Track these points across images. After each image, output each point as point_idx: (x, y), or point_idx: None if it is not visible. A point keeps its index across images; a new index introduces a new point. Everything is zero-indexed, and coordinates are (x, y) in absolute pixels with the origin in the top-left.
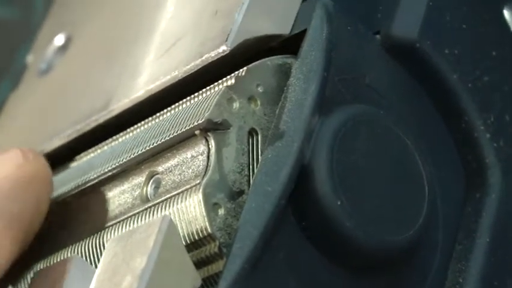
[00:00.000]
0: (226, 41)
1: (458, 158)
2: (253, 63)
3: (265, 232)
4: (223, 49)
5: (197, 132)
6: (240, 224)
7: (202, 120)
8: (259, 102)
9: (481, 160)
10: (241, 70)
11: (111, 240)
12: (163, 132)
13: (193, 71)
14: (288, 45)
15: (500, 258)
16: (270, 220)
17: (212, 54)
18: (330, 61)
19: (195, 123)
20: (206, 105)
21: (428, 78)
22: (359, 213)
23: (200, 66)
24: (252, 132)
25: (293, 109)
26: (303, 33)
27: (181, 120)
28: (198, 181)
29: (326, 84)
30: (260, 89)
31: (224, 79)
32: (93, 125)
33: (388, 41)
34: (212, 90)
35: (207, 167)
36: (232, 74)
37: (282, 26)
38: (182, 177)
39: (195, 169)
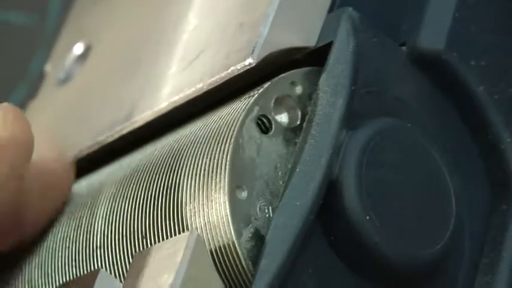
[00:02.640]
0: (252, 53)
1: (484, 170)
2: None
3: (294, 247)
4: (250, 62)
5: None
6: (268, 239)
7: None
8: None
9: (506, 172)
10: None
11: (136, 254)
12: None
13: (218, 83)
14: (313, 57)
15: None
16: (298, 235)
17: (238, 67)
18: (357, 74)
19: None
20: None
21: (454, 90)
22: (387, 228)
23: (226, 79)
24: None
25: (321, 123)
26: (329, 45)
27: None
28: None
29: (353, 97)
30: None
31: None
32: (116, 136)
33: (414, 53)
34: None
35: None
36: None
37: (307, 39)
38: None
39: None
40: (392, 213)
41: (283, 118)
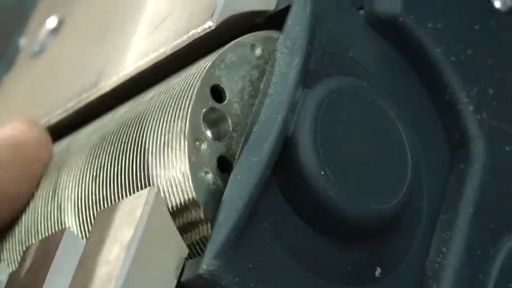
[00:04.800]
0: (211, 16)
1: (442, 129)
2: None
3: (250, 202)
4: (209, 25)
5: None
6: (225, 195)
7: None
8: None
9: (464, 132)
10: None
11: (100, 212)
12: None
13: (180, 46)
14: (272, 21)
15: (483, 228)
16: (254, 190)
17: (198, 30)
18: (313, 35)
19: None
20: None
21: (411, 52)
22: (343, 182)
23: (187, 42)
24: None
25: (277, 82)
26: (288, 8)
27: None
28: None
29: (310, 57)
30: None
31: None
32: (83, 103)
33: (372, 16)
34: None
35: None
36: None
37: (267, 2)
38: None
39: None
40: (348, 169)
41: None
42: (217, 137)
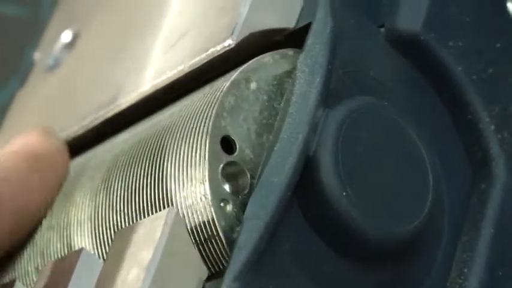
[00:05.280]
0: (232, 34)
1: (463, 149)
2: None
3: (271, 224)
4: (229, 43)
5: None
6: (245, 216)
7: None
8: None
9: (486, 151)
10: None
11: (118, 232)
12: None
13: (199, 65)
14: (293, 39)
15: (505, 249)
16: (275, 212)
17: (218, 48)
18: (334, 54)
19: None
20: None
21: (432, 70)
22: (364, 204)
23: (206, 60)
24: None
25: (298, 101)
26: (308, 26)
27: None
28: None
29: (331, 76)
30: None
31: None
32: (101, 119)
33: (392, 34)
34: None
35: None
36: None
37: (286, 20)
38: None
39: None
40: (369, 190)
41: None
42: (235, 191)
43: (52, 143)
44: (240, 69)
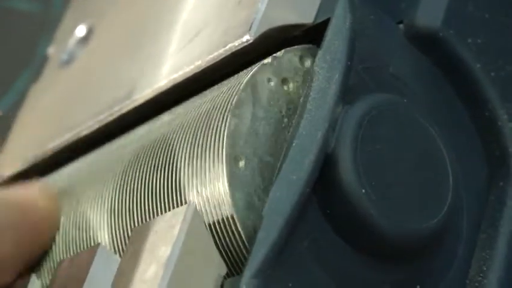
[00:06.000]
0: (249, 30)
1: (482, 146)
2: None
3: (290, 220)
4: (247, 38)
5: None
6: (265, 213)
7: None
8: (291, 86)
9: (504, 149)
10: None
11: (135, 229)
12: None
13: (216, 60)
14: (311, 34)
15: None
16: (294, 208)
17: (236, 44)
18: (353, 50)
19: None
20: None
21: (451, 67)
22: (383, 201)
23: (223, 56)
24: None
25: (317, 98)
26: (326, 22)
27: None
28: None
29: (350, 73)
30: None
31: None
32: (116, 115)
33: (411, 31)
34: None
35: None
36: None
37: (305, 15)
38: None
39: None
40: (389, 187)
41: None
42: None
43: (44, 198)
44: (256, 68)
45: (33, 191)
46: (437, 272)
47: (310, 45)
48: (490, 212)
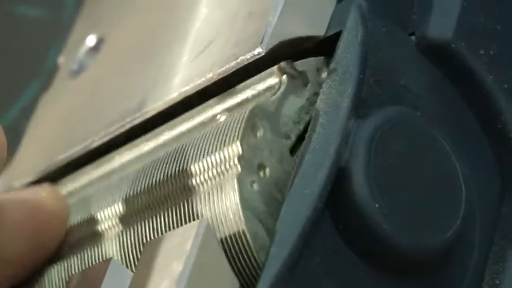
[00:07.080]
0: (261, 42)
1: (494, 159)
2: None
3: (303, 236)
4: (259, 51)
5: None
6: (277, 228)
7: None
8: None
9: None
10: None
11: (147, 244)
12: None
13: (228, 73)
14: (323, 47)
15: None
16: (307, 223)
17: (247, 56)
18: (365, 63)
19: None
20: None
21: (463, 79)
22: (397, 215)
23: (235, 69)
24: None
25: (329, 111)
26: (338, 34)
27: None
28: None
29: (362, 86)
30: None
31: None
32: (127, 126)
33: (423, 42)
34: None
35: None
36: None
37: (317, 28)
38: None
39: None
40: (402, 201)
41: None
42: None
43: (53, 200)
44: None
45: (41, 192)
46: (450, 285)
47: (319, 58)
48: (502, 224)
